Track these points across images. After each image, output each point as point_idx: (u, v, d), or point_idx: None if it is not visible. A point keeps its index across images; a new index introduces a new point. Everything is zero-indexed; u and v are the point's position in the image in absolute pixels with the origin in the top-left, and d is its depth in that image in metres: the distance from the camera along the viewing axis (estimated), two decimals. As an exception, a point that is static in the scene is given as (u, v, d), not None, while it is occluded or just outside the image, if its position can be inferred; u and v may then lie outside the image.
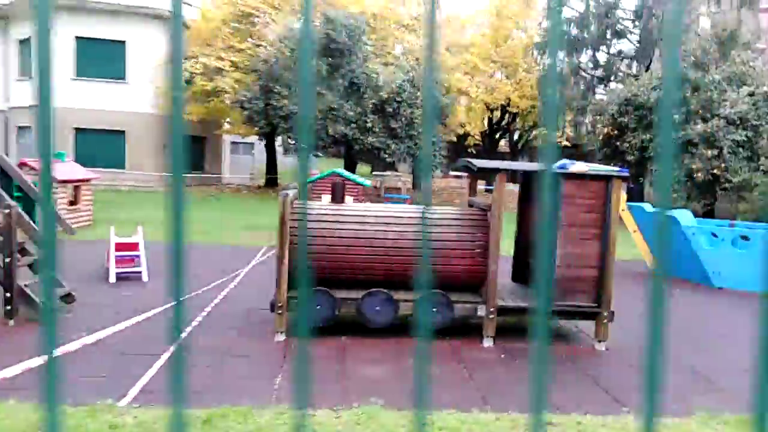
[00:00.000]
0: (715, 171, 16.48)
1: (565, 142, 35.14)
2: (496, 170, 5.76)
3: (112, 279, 7.87)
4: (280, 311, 5.69)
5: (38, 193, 6.15)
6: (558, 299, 5.93)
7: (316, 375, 4.90)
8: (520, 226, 7.24)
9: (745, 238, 9.85)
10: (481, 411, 4.29)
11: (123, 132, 24.11)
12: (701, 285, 9.75)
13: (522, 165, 6.50)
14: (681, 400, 4.75)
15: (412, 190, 27.86)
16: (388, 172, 26.41)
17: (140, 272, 8.08)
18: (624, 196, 9.30)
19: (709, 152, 16.48)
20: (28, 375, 4.57)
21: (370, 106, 19.83)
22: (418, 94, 20.43)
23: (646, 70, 23.15)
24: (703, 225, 10.52)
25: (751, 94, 16.98)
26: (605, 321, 5.95)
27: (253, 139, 32.32)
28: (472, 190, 7.05)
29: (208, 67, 22.41)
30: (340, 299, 5.83)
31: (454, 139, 27.52)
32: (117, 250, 8.09)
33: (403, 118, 20.17)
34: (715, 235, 10.03)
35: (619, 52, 26.02)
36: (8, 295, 5.70)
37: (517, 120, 30.91)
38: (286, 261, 5.66)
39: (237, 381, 4.71)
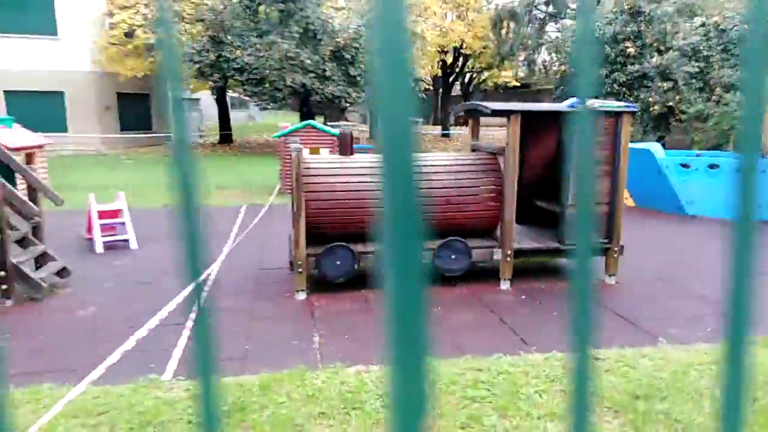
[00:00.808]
0: (670, 103, 17.00)
1: (514, 82, 35.34)
2: (510, 112, 5.67)
3: (99, 249, 7.46)
4: (300, 270, 5.55)
5: (18, 162, 5.66)
6: (573, 237, 6.03)
7: (354, 330, 4.85)
8: (521, 168, 7.23)
9: (714, 166, 10.29)
10: (527, 353, 4.37)
11: (61, 93, 22.47)
12: (676, 215, 10.18)
13: (535, 106, 6.44)
14: (709, 326, 4.99)
15: (371, 139, 27.56)
16: (342, 122, 25.95)
17: (128, 240, 7.69)
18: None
19: (665, 85, 16.94)
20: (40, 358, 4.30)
21: (328, 53, 19.17)
22: (376, 38, 19.85)
23: (597, 4, 23.28)
24: (674, 156, 10.89)
25: (702, 25, 17.42)
26: (616, 255, 6.12)
27: (199, 94, 30.86)
28: (474, 135, 6.95)
29: (149, 18, 20.96)
30: (358, 253, 5.73)
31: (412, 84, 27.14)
32: (100, 217, 7.64)
33: (362, 65, 19.64)
34: (685, 166, 10.42)
35: (569, -13, 26.00)
36: (2, 273, 5.29)
37: (469, 62, 30.70)
38: (303, 218, 5.48)
39: (272, 344, 4.59)
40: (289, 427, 3.29)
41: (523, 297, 5.79)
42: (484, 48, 27.80)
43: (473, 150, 6.78)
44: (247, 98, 19.95)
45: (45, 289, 5.56)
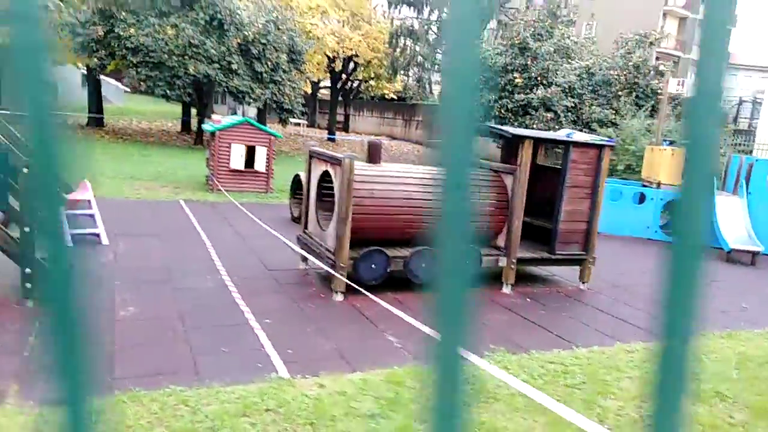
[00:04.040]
0: (551, 131, 19.38)
1: (392, 95, 36.82)
2: (524, 137, 6.44)
3: (68, 243, 6.74)
4: (341, 272, 5.72)
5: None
6: (560, 249, 6.98)
7: (418, 331, 5.20)
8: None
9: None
10: (577, 348, 5.11)
11: None
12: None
13: (540, 134, 7.27)
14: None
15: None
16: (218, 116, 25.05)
17: (98, 234, 7.05)
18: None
19: (547, 115, 19.27)
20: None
21: (235, 45, 18.56)
22: (284, 37, 19.71)
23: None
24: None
25: (577, 67, 20.13)
26: (590, 265, 7.20)
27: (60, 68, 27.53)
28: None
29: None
30: (391, 257, 6.05)
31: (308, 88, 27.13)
32: (68, 207, 6.91)
33: (268, 62, 19.33)
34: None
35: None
36: (28, 270, 4.74)
37: (357, 70, 31.45)
38: (349, 222, 5.69)
39: (358, 342, 4.78)
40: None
41: (528, 300, 6.58)
42: (373, 59, 28.77)
43: (469, 166, 7.43)
44: (142, 81, 18.43)
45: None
